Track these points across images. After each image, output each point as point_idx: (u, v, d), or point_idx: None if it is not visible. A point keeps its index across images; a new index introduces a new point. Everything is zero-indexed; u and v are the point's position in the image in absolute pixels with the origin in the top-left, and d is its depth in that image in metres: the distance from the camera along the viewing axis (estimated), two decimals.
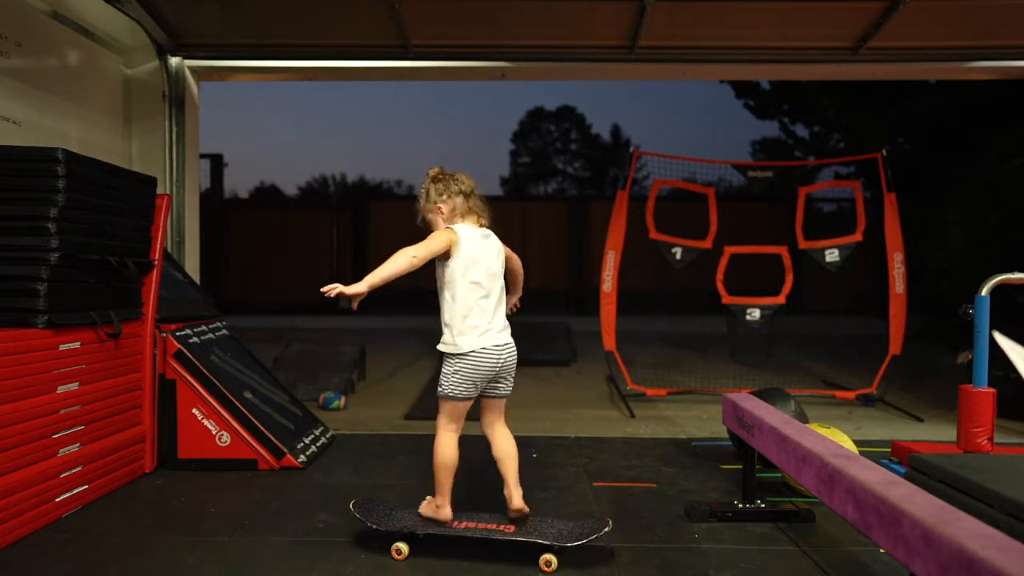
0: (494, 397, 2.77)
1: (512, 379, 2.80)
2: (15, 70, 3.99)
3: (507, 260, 2.84)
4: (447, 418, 2.71)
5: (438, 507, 2.71)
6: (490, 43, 5.45)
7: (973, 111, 11.47)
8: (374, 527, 2.67)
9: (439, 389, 2.71)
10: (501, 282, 2.77)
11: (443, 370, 2.71)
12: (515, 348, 2.78)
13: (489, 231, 2.80)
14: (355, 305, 2.52)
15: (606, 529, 2.62)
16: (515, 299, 2.99)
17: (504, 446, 2.74)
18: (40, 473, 2.94)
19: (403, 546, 2.65)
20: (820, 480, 2.18)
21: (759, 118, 17.31)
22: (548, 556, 2.55)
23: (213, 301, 4.63)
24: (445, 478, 2.70)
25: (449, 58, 5.52)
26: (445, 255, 2.67)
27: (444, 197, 2.76)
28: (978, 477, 2.37)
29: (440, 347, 2.71)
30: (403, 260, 2.56)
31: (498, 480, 2.74)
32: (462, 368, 2.65)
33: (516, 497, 2.69)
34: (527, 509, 2.69)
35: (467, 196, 2.77)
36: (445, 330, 2.70)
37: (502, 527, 2.69)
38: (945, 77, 9.25)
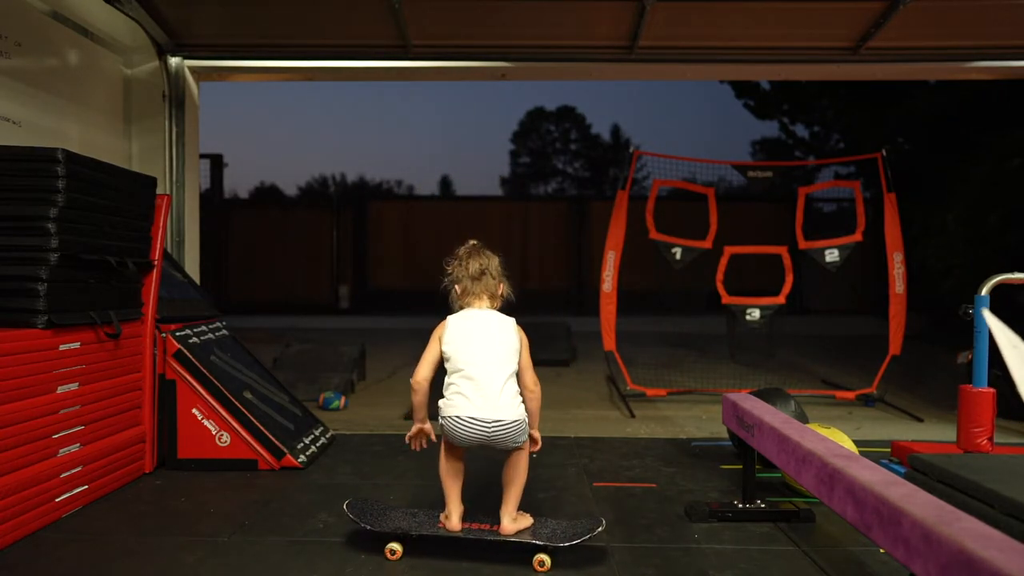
0: (501, 450, 2.70)
1: (514, 446, 2.65)
2: (15, 70, 3.99)
3: (522, 373, 2.73)
4: (443, 445, 2.73)
5: (445, 516, 2.72)
6: (490, 43, 5.45)
7: (973, 111, 11.47)
8: (367, 527, 2.67)
9: None
10: (500, 361, 2.63)
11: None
12: (512, 427, 2.59)
13: (492, 312, 2.75)
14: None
15: (599, 529, 2.62)
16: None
17: (507, 472, 2.71)
18: (40, 473, 2.94)
19: (397, 546, 2.65)
20: (820, 480, 2.18)
21: (759, 118, 17.31)
22: (541, 556, 2.55)
23: (213, 301, 4.63)
24: (445, 487, 2.72)
25: (449, 58, 5.52)
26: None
27: (455, 277, 2.80)
28: (978, 477, 2.36)
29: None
30: (415, 387, 2.68)
31: (496, 486, 2.74)
32: (443, 426, 2.65)
33: (504, 519, 2.67)
34: (511, 531, 2.65)
35: (475, 279, 2.75)
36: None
37: (496, 528, 2.69)
38: (945, 77, 9.24)
